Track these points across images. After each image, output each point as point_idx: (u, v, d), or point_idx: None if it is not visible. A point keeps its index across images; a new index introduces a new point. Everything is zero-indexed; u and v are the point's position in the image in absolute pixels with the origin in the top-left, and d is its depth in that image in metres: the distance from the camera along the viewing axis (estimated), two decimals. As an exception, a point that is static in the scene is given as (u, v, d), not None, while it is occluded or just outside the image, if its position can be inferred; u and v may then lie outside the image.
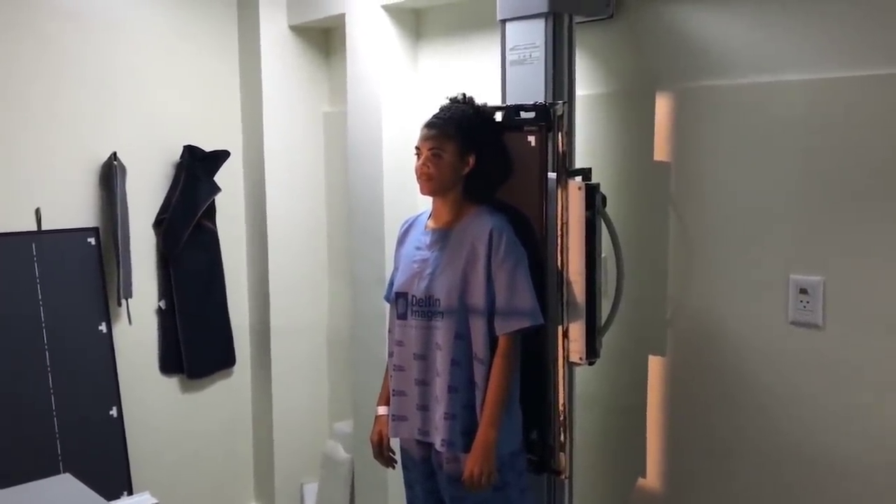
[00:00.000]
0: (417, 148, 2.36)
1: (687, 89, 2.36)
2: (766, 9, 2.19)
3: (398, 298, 2.40)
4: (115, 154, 3.41)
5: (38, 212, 3.29)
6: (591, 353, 2.32)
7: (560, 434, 2.32)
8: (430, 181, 2.32)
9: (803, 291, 2.14)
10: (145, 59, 3.54)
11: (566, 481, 2.39)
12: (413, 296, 2.36)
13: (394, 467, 2.55)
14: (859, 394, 2.07)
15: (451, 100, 2.41)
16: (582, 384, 2.53)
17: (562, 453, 2.33)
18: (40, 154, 3.29)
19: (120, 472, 3.34)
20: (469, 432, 2.26)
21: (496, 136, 2.37)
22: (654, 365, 2.50)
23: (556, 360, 2.32)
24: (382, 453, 2.52)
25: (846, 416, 2.10)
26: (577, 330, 2.30)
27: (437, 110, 2.40)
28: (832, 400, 2.11)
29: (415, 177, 2.37)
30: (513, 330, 2.24)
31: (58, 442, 3.21)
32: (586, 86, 2.58)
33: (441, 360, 2.29)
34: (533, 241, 2.31)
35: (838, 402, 2.10)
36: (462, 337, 2.27)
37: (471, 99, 2.40)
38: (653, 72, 2.46)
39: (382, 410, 2.51)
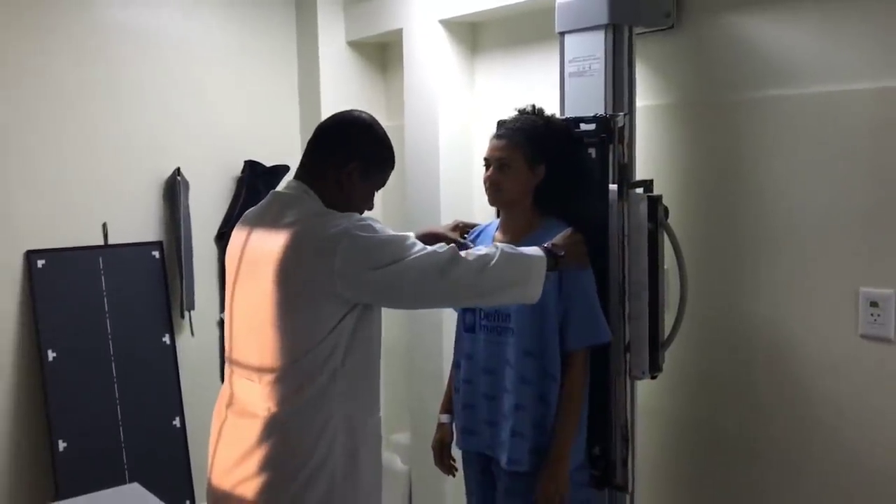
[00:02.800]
0: (486, 159, 2.33)
1: (751, 99, 2.33)
2: (831, 16, 2.16)
3: (466, 311, 2.38)
4: (178, 169, 3.49)
5: (104, 226, 3.38)
6: (654, 367, 2.30)
7: (622, 449, 2.30)
8: (499, 192, 2.29)
9: (874, 304, 2.09)
10: (207, 77, 3.62)
11: (628, 496, 2.36)
12: (481, 309, 2.33)
13: (454, 475, 2.55)
14: (933, 410, 2.01)
15: (519, 111, 2.36)
16: (646, 398, 2.50)
17: (624, 468, 2.31)
18: (107, 170, 3.39)
19: (183, 482, 3.40)
20: (537, 450, 2.23)
21: (568, 148, 2.32)
22: (720, 378, 2.46)
23: (619, 374, 2.30)
24: (443, 461, 2.51)
25: (920, 433, 2.04)
26: (639, 344, 2.28)
27: (506, 121, 2.36)
28: (905, 416, 2.06)
29: (482, 188, 2.34)
30: (588, 344, 2.22)
31: (123, 451, 3.28)
32: (647, 97, 2.56)
33: (510, 377, 2.26)
34: (599, 255, 2.28)
35: (911, 418, 2.05)
36: (531, 354, 2.24)
37: (540, 110, 2.36)
38: (715, 82, 2.44)
39: (444, 419, 2.50)
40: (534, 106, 2.37)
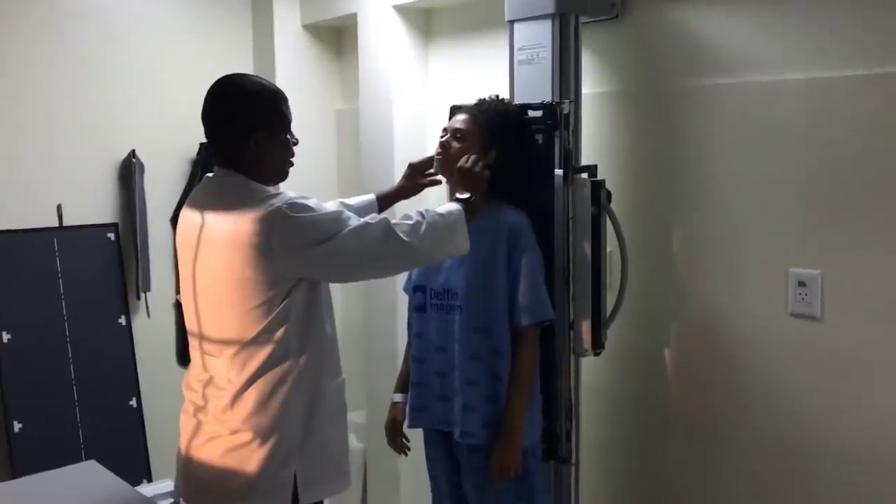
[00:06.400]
0: (445, 129, 2.40)
1: (690, 88, 2.43)
2: (769, 9, 2.25)
3: (416, 291, 2.45)
4: (133, 152, 3.50)
5: (59, 208, 3.38)
6: (597, 344, 2.40)
7: (566, 423, 2.40)
8: (447, 158, 2.35)
9: (802, 284, 2.20)
10: (162, 58, 3.63)
11: (573, 468, 2.47)
12: (431, 289, 2.40)
13: (406, 454, 2.62)
14: (855, 383, 2.13)
15: (480, 100, 2.43)
16: (590, 375, 2.60)
17: (568, 441, 2.41)
18: (61, 152, 3.39)
19: (140, 460, 3.43)
20: (490, 424, 2.30)
21: (521, 135, 2.39)
22: (659, 355, 2.57)
23: (563, 351, 2.40)
24: (395, 440, 2.58)
25: (842, 405, 2.16)
26: (583, 322, 2.37)
27: (466, 105, 2.43)
28: (829, 389, 2.18)
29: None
30: (535, 322, 2.30)
31: (80, 431, 3.31)
32: (593, 84, 2.64)
33: (460, 354, 2.33)
34: (544, 237, 2.37)
35: (835, 391, 2.17)
36: (480, 331, 2.31)
37: (502, 100, 2.44)
38: (657, 71, 2.53)
39: (398, 398, 2.57)
40: (497, 95, 2.45)
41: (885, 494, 2.10)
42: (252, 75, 2.10)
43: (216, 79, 2.04)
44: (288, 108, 2.05)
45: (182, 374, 2.13)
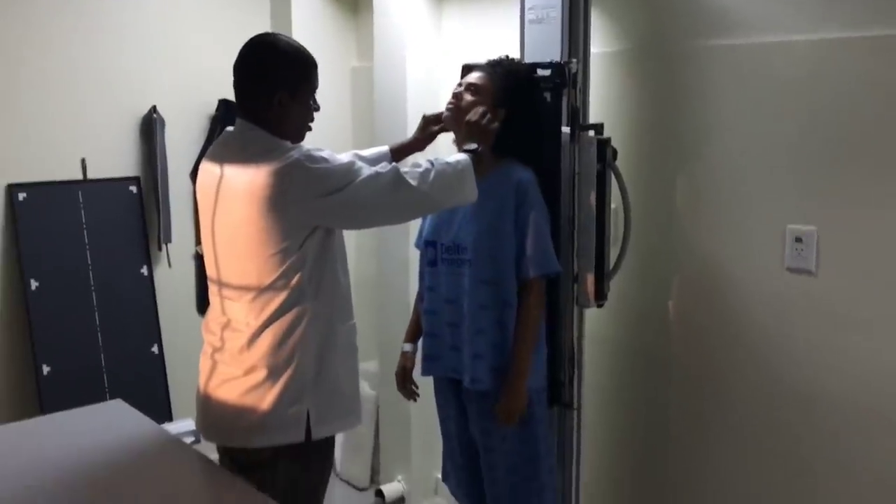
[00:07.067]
0: (459, 83, 2.46)
1: (695, 48, 2.48)
2: (773, -29, 2.30)
3: (428, 246, 2.53)
4: (154, 107, 3.59)
5: (83, 162, 3.48)
6: (600, 296, 2.49)
7: (569, 370, 2.50)
8: (456, 109, 2.41)
9: (798, 240, 2.28)
10: (181, 16, 3.69)
11: (575, 413, 2.58)
12: (442, 244, 2.48)
13: (415, 400, 2.73)
14: (847, 335, 2.22)
15: (495, 60, 2.48)
16: (593, 326, 2.69)
17: (571, 387, 2.52)
18: (85, 108, 3.47)
19: (162, 402, 3.57)
20: (496, 369, 2.39)
21: (531, 95, 2.45)
22: (660, 307, 2.66)
23: (568, 302, 2.50)
24: (405, 386, 2.69)
25: (834, 356, 2.25)
26: (587, 275, 2.46)
27: (480, 63, 2.49)
28: (822, 341, 2.27)
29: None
30: (541, 274, 2.37)
31: (104, 375, 3.44)
32: (601, 44, 2.69)
33: (469, 305, 2.41)
34: (551, 193, 2.43)
35: (828, 342, 2.26)
36: (489, 283, 2.39)
37: (515, 61, 2.49)
38: (664, 31, 2.58)
39: (407, 347, 2.68)
40: (507, 56, 2.51)
41: (873, 441, 2.20)
42: (289, 38, 2.17)
43: (248, 37, 2.12)
44: (316, 75, 2.15)
45: (201, 323, 2.25)
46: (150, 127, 3.58)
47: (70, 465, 1.98)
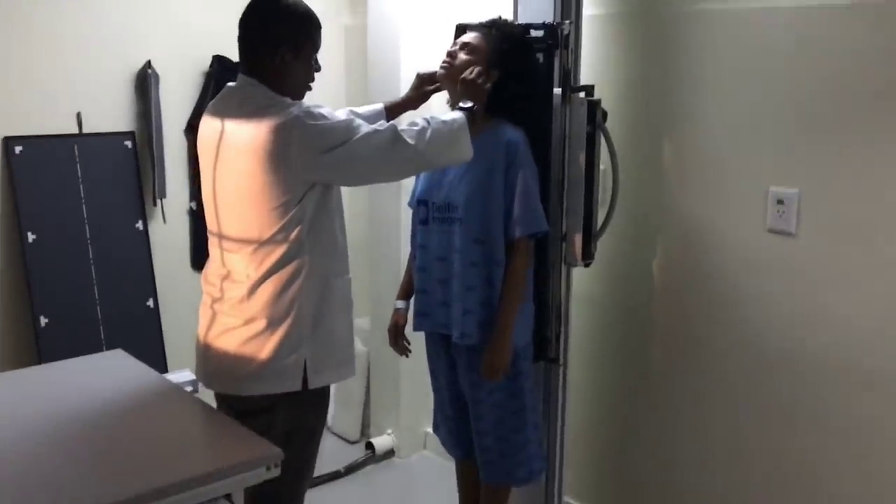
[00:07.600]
0: (454, 43, 2.49)
1: (685, 12, 2.52)
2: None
3: (420, 205, 2.57)
4: (149, 62, 3.59)
5: (79, 116, 3.50)
6: (587, 255, 2.55)
7: (556, 326, 2.58)
8: (450, 67, 2.44)
9: (780, 202, 2.35)
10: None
11: (561, 368, 2.66)
12: (433, 203, 2.52)
13: (407, 356, 2.81)
14: (824, 295, 2.30)
15: (492, 20, 2.50)
16: (580, 285, 2.76)
17: (557, 343, 2.59)
18: (81, 62, 3.48)
19: (157, 356, 3.64)
20: (485, 325, 2.46)
21: (525, 57, 2.48)
22: (644, 267, 2.73)
23: (556, 261, 2.56)
24: (398, 342, 2.76)
25: (812, 315, 2.33)
26: (574, 235, 2.53)
27: (476, 23, 2.51)
28: (800, 300, 2.35)
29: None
30: (529, 233, 2.43)
31: (101, 328, 3.50)
32: (593, 6, 2.72)
33: (459, 262, 2.47)
34: (541, 153, 2.48)
35: (807, 300, 2.34)
36: (479, 241, 2.44)
37: (508, 22, 2.52)
38: (655, -5, 2.62)
39: (400, 304, 2.74)
40: (500, 17, 2.53)
41: (851, 395, 2.29)
42: None
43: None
44: (320, 35, 2.18)
45: (195, 278, 2.29)
46: (145, 82, 3.59)
47: (72, 411, 2.04)
